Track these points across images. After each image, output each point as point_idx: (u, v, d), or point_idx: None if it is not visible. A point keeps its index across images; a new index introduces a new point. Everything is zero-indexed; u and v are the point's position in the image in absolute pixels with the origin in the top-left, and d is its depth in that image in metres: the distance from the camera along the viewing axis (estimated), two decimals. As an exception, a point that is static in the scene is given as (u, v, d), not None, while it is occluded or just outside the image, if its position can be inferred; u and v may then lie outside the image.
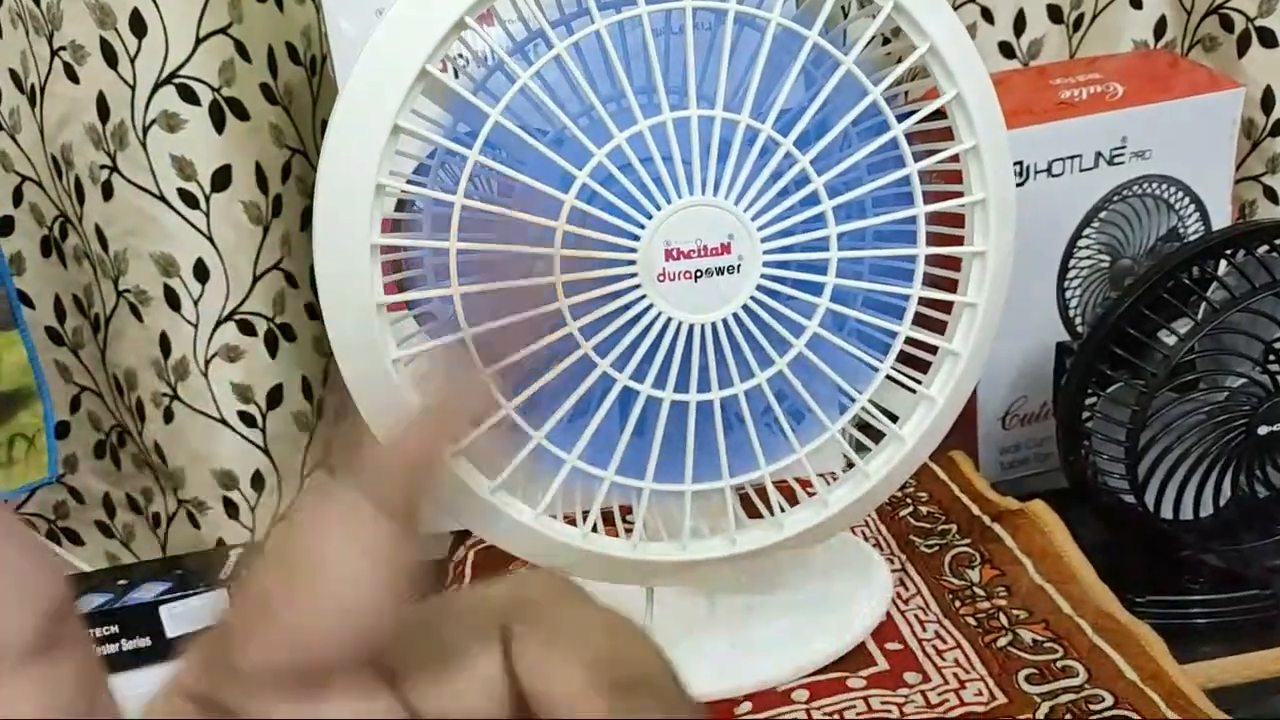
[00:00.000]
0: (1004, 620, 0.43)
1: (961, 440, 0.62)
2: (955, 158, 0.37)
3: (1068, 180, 0.59)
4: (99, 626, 0.51)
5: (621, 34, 0.35)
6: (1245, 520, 0.51)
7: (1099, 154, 0.59)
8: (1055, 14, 0.69)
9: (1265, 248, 0.48)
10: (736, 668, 0.41)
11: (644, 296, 0.35)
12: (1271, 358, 0.47)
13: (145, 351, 0.63)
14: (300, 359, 0.66)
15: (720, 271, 0.35)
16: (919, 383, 0.39)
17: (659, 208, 0.34)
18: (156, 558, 0.69)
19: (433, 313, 0.39)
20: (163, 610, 0.51)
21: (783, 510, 0.39)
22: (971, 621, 0.44)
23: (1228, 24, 0.66)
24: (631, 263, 0.34)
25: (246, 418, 0.64)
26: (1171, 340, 0.48)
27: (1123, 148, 0.59)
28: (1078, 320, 0.62)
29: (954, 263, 0.39)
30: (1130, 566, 0.51)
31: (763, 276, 0.35)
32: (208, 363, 0.63)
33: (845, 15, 0.44)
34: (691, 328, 0.35)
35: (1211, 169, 0.61)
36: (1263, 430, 0.48)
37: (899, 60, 0.37)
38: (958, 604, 0.45)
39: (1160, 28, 0.69)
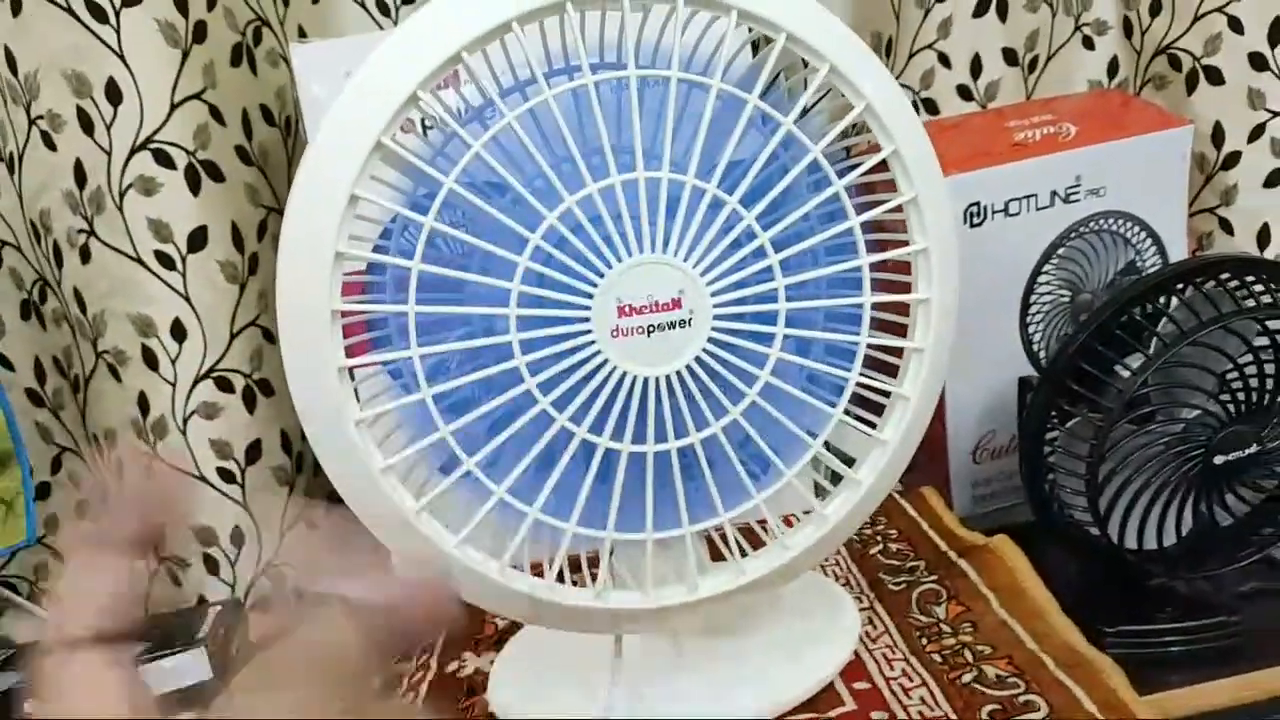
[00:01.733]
0: (969, 656, 0.44)
1: (933, 476, 0.63)
2: (899, 209, 0.39)
3: (1025, 219, 0.61)
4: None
5: (574, 98, 0.36)
6: (1209, 547, 0.51)
7: (1054, 193, 0.61)
8: (1011, 57, 0.72)
9: (1212, 283, 0.50)
10: (706, 711, 0.42)
11: (599, 352, 0.36)
12: (1223, 389, 0.48)
13: (124, 411, 0.64)
14: (279, 413, 0.66)
15: (672, 325, 0.36)
16: (873, 426, 0.40)
17: (610, 266, 0.35)
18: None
19: (401, 370, 0.40)
20: (143, 670, 0.51)
21: (744, 555, 0.40)
22: (938, 658, 0.44)
23: (1176, 63, 0.68)
24: (587, 320, 0.35)
25: (225, 474, 0.64)
26: (1126, 375, 0.49)
27: (1077, 186, 0.61)
28: (1041, 355, 0.63)
29: (906, 308, 0.40)
30: (1099, 597, 0.51)
31: (713, 329, 0.36)
32: (186, 420, 0.63)
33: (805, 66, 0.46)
34: (647, 380, 0.36)
35: (1166, 204, 0.62)
36: (1219, 459, 0.49)
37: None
38: (925, 641, 0.46)
39: (1113, 68, 0.71)
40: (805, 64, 0.39)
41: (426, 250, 0.35)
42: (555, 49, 0.39)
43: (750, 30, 0.37)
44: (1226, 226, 0.69)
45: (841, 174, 0.37)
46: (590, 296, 0.35)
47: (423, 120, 0.51)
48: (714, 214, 0.36)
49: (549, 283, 0.35)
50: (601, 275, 0.35)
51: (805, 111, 0.37)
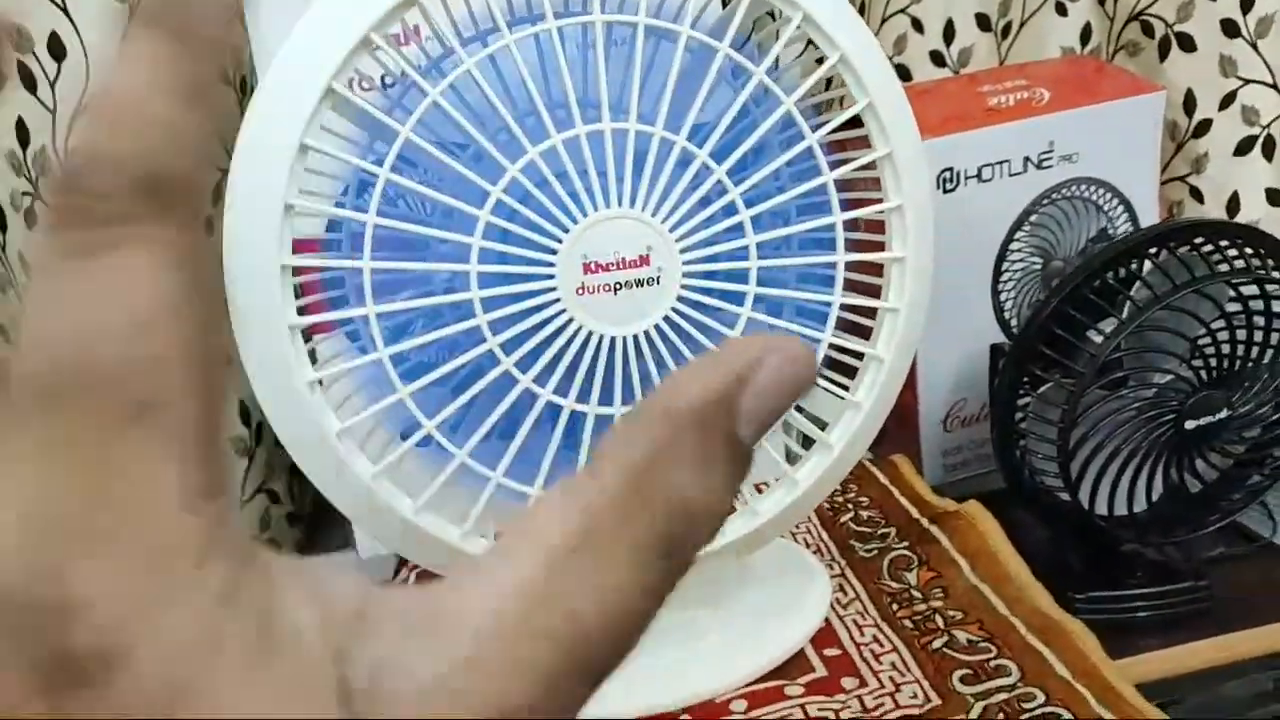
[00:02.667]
0: (940, 621, 0.43)
1: (904, 444, 0.62)
2: (873, 165, 0.38)
3: (997, 185, 0.60)
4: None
5: (538, 49, 0.35)
6: (1178, 513, 0.52)
7: (1027, 159, 0.60)
8: (984, 22, 0.71)
9: (1186, 247, 0.49)
10: (674, 681, 0.41)
11: (564, 311, 0.34)
12: (1196, 354, 0.48)
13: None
14: (237, 384, 0.65)
15: (640, 284, 0.35)
16: (846, 389, 0.39)
17: (575, 221, 0.34)
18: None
19: (359, 332, 0.38)
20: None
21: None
22: (909, 624, 0.44)
23: (1149, 30, 0.67)
24: (551, 277, 0.34)
25: (182, 445, 0.63)
26: (1098, 339, 0.48)
27: (1050, 152, 0.60)
28: (1013, 322, 0.63)
29: (880, 269, 0.40)
30: (1070, 564, 0.51)
31: (683, 288, 0.35)
32: (141, 390, 0.61)
33: (772, 20, 0.44)
34: (614, 340, 0.35)
35: (1138, 170, 0.62)
36: (1190, 425, 0.49)
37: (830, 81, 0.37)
38: (895, 607, 0.45)
39: (1085, 34, 0.71)
40: (773, 17, 0.38)
41: (388, 210, 0.33)
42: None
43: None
44: (1197, 195, 0.69)
45: (814, 130, 0.36)
46: (554, 253, 0.34)
47: (383, 77, 0.50)
48: (682, 169, 0.35)
49: (512, 238, 0.34)
50: (566, 230, 0.34)
51: (776, 64, 0.36)
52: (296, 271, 0.34)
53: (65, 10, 0.56)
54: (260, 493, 0.67)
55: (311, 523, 0.73)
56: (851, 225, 0.38)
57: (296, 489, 0.71)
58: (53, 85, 0.57)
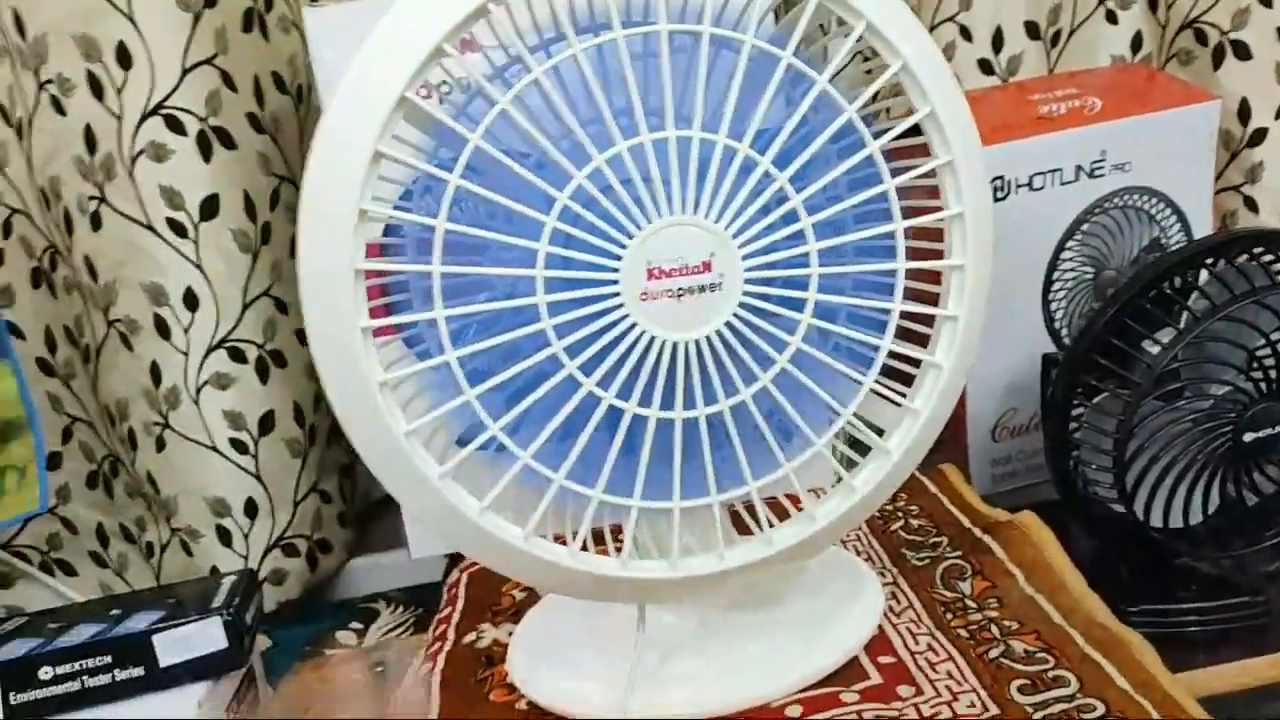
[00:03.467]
0: (995, 632, 0.43)
1: (952, 454, 0.62)
2: (932, 173, 0.38)
3: (1049, 194, 0.60)
4: (91, 657, 0.50)
5: (600, 58, 0.35)
6: (1235, 527, 0.51)
7: (1079, 167, 0.60)
8: (1033, 30, 0.70)
9: (1244, 256, 0.49)
10: (729, 685, 0.41)
11: (627, 315, 0.35)
12: (1255, 365, 0.48)
13: (136, 381, 0.63)
14: (292, 385, 0.66)
15: (702, 289, 0.35)
16: (904, 396, 0.39)
17: (640, 228, 0.34)
18: (150, 587, 0.69)
19: (421, 336, 0.39)
20: (155, 639, 0.51)
21: (771, 526, 0.39)
22: (963, 633, 0.44)
23: (1202, 38, 0.67)
24: (615, 282, 0.35)
25: (238, 445, 0.64)
26: (1155, 349, 0.48)
27: (1102, 160, 0.60)
28: (1063, 332, 0.63)
29: (935, 277, 0.40)
30: (1122, 576, 0.51)
31: (744, 294, 0.36)
32: (199, 390, 0.63)
33: (825, 32, 0.45)
34: (675, 345, 0.35)
35: (1191, 180, 0.62)
36: (1248, 437, 0.48)
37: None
38: (949, 616, 0.45)
39: (1136, 43, 0.70)
40: (823, 29, 0.38)
41: (452, 214, 0.34)
42: (581, 8, 0.38)
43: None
44: (1251, 204, 0.68)
45: (875, 137, 0.36)
46: (619, 259, 0.35)
47: (438, 86, 0.50)
48: (745, 176, 0.35)
49: (577, 244, 0.34)
50: (631, 236, 0.34)
51: (838, 72, 0.36)
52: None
53: (133, 20, 0.57)
54: (313, 493, 0.68)
55: (361, 523, 0.74)
56: (910, 232, 0.38)
57: (347, 489, 0.72)
58: (119, 92, 0.58)
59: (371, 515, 0.75)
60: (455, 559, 0.60)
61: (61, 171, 0.61)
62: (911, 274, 0.38)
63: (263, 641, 0.60)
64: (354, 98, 0.33)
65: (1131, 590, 0.49)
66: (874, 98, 0.36)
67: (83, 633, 0.52)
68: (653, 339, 0.35)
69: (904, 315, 0.38)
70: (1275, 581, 0.50)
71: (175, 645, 0.51)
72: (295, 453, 0.66)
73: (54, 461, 0.68)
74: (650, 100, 0.36)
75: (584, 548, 0.38)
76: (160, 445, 0.64)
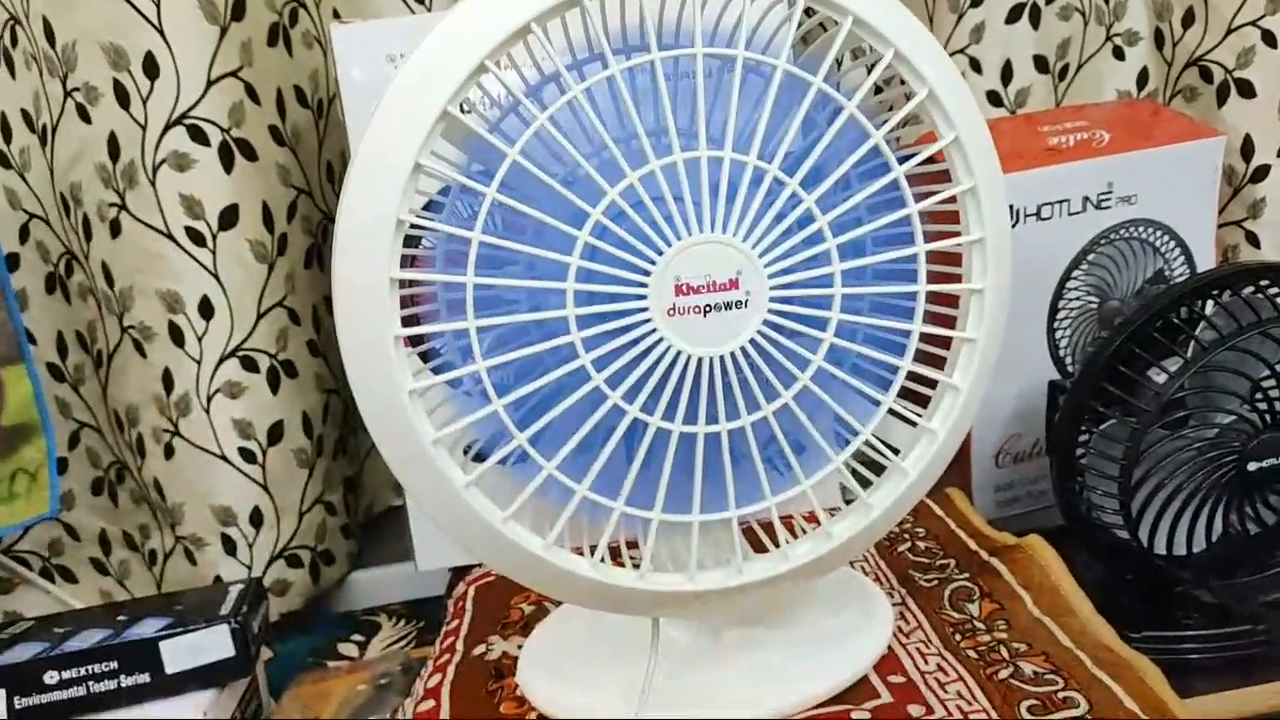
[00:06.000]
0: (1004, 653, 0.44)
1: (956, 478, 0.62)
2: (953, 198, 0.39)
3: (1056, 224, 0.61)
4: (98, 662, 0.50)
5: (631, 78, 0.36)
6: (1238, 555, 0.52)
7: (1086, 198, 0.61)
8: (1041, 64, 0.72)
9: (1251, 288, 0.50)
10: (741, 700, 0.42)
11: (655, 330, 0.35)
12: (1259, 395, 0.49)
13: (148, 387, 0.64)
14: (301, 395, 0.66)
15: (728, 306, 0.36)
16: (920, 416, 0.40)
17: (669, 244, 0.35)
18: (152, 594, 0.69)
19: (437, 350, 0.40)
20: (162, 646, 0.51)
21: (787, 542, 0.40)
22: (972, 654, 0.44)
23: (1207, 75, 0.68)
24: (643, 297, 0.35)
25: (247, 454, 0.64)
26: (1162, 378, 0.49)
27: (1109, 193, 0.61)
28: (1068, 360, 0.64)
29: (953, 300, 0.40)
30: (1125, 602, 0.51)
31: (769, 311, 0.36)
32: (210, 399, 0.63)
33: (839, 66, 0.46)
34: (700, 361, 0.36)
35: (1195, 214, 0.63)
36: (1252, 466, 0.49)
37: (891, 108, 0.38)
38: (958, 637, 0.45)
39: (1142, 78, 0.72)
40: (839, 63, 0.39)
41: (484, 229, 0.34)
42: (615, 30, 0.38)
43: (812, 14, 0.37)
44: (1253, 240, 0.69)
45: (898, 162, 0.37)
46: (648, 274, 0.35)
47: (461, 106, 0.51)
48: (772, 198, 0.36)
49: (606, 258, 0.35)
50: (660, 253, 0.35)
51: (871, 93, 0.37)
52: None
53: (162, 32, 0.58)
54: (318, 504, 0.68)
55: (365, 535, 0.74)
56: (929, 256, 0.39)
57: (352, 502, 0.72)
58: (145, 101, 0.59)
59: (374, 528, 0.75)
60: (459, 573, 0.60)
61: (83, 178, 0.61)
62: (930, 297, 0.39)
63: (264, 652, 0.60)
64: (398, 110, 0.34)
65: (1135, 616, 0.50)
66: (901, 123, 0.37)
67: (89, 638, 0.52)
68: (679, 353, 0.36)
69: (925, 337, 0.39)
70: (1275, 610, 0.51)
71: (182, 652, 0.51)
72: (302, 463, 0.66)
73: (60, 467, 0.68)
74: (680, 120, 0.36)
75: (602, 560, 0.38)
76: (169, 452, 0.64)
